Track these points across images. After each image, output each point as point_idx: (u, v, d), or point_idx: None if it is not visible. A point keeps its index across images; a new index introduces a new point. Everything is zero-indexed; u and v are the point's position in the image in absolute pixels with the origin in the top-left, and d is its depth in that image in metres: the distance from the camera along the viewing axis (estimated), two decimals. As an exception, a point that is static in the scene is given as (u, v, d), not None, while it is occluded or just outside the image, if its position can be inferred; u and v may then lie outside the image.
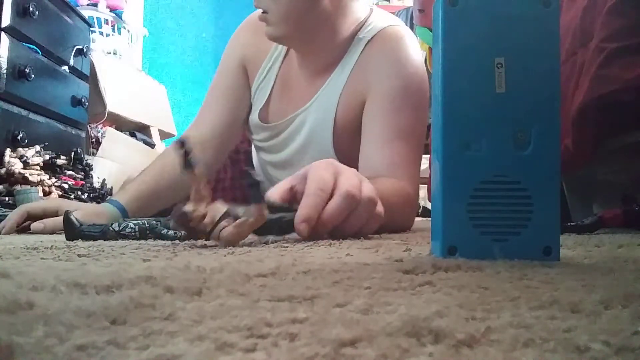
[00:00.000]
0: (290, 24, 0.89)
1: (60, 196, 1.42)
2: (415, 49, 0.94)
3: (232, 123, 1.07)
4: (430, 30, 1.54)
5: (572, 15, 0.99)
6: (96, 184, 1.72)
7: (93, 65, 2.05)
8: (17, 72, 1.43)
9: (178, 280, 0.27)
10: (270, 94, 1.04)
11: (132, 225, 0.64)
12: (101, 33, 2.37)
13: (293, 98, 1.01)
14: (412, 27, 2.21)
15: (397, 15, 2.31)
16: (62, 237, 0.68)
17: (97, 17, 2.34)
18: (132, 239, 0.62)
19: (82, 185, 1.59)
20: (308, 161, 1.03)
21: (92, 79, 2.01)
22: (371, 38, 0.94)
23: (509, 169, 0.39)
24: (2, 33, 1.38)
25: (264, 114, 1.06)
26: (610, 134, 0.89)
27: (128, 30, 2.51)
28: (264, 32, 0.95)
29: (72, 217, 0.64)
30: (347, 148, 0.95)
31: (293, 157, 1.04)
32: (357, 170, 0.94)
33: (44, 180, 1.36)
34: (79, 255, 0.43)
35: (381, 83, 0.91)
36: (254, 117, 1.07)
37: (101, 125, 2.14)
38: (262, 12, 0.89)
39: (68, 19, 1.78)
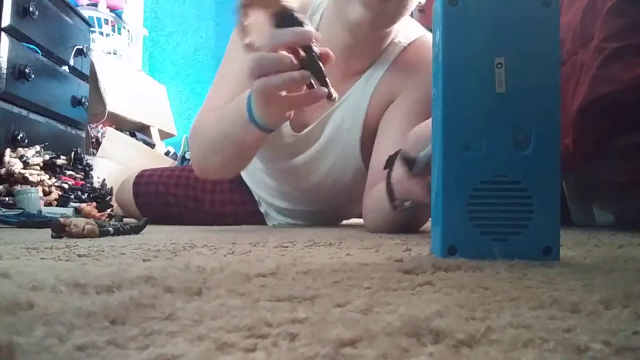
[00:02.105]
0: (403, 14, 0.86)
1: (60, 196, 1.42)
2: None
3: None
4: (430, 30, 1.54)
5: (572, 16, 0.99)
6: (96, 184, 1.72)
7: (93, 65, 2.05)
8: (17, 72, 1.43)
9: (178, 280, 0.27)
10: None
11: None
12: (101, 33, 2.37)
13: (320, 102, 0.98)
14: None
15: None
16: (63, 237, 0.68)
17: (97, 17, 2.34)
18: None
19: (82, 185, 1.59)
20: (330, 162, 1.01)
21: (92, 79, 2.01)
22: (408, 44, 0.94)
23: (509, 169, 0.39)
24: (2, 33, 1.38)
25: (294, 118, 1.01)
26: (610, 134, 0.89)
27: (128, 30, 2.51)
28: None
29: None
30: (371, 147, 0.94)
31: (311, 160, 1.01)
32: (369, 166, 0.93)
33: (44, 180, 1.36)
34: (79, 255, 0.43)
35: (415, 87, 0.91)
36: (286, 124, 0.98)
37: (101, 125, 2.15)
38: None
39: (68, 19, 1.78)
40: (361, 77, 0.95)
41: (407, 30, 0.96)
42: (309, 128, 0.99)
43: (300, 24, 0.63)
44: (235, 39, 0.97)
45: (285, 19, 0.63)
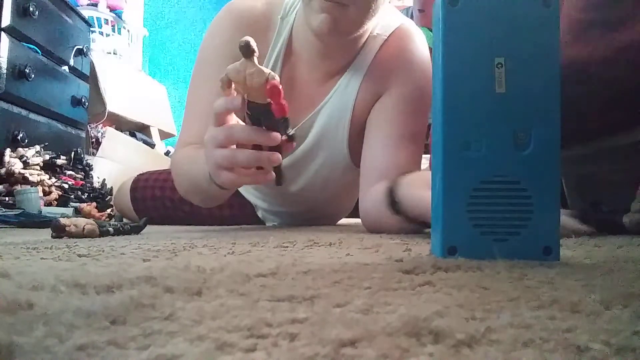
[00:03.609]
0: (367, 19, 0.82)
1: (60, 196, 1.42)
2: (425, 48, 0.93)
3: None
4: (430, 30, 1.54)
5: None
6: (96, 184, 1.72)
7: (93, 65, 2.05)
8: (17, 72, 1.43)
9: (178, 280, 0.27)
10: None
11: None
12: (101, 33, 2.37)
13: (301, 103, 0.96)
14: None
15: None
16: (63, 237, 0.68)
17: (97, 17, 2.34)
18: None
19: (82, 185, 1.59)
20: (319, 162, 1.02)
21: (92, 79, 2.01)
22: (388, 36, 0.92)
23: (509, 169, 0.39)
24: (2, 33, 1.38)
25: None
26: (610, 133, 0.89)
27: (128, 30, 2.51)
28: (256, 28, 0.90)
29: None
30: (360, 146, 0.93)
31: (300, 160, 1.01)
32: (360, 166, 0.93)
33: (44, 180, 1.36)
34: (79, 255, 0.43)
35: (400, 84, 0.90)
36: None
37: (101, 125, 2.15)
38: (336, 5, 0.77)
39: (68, 19, 1.78)
40: (343, 75, 0.93)
41: (386, 19, 0.93)
42: (294, 129, 0.98)
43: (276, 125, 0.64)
44: (204, 60, 0.96)
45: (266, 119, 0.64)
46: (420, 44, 0.93)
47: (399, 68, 0.91)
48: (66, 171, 1.55)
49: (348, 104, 0.94)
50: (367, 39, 0.92)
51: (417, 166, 0.90)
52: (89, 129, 2.03)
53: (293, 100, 0.96)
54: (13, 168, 1.29)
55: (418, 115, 0.90)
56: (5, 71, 1.38)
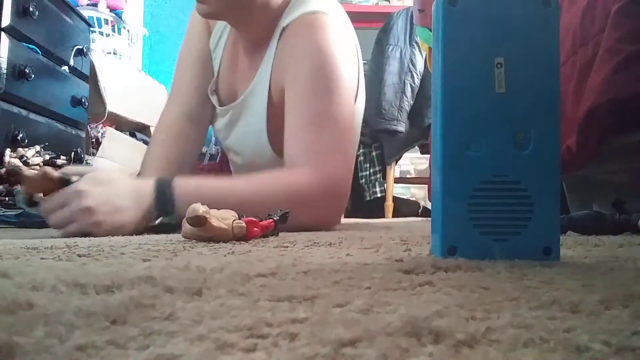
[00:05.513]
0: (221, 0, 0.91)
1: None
2: (331, 34, 0.91)
3: (204, 95, 1.09)
4: (430, 30, 1.53)
5: (572, 16, 0.99)
6: (96, 184, 1.72)
7: (93, 65, 2.05)
8: (17, 72, 1.43)
9: (178, 280, 0.27)
10: (219, 69, 1.06)
11: None
12: (101, 33, 2.36)
13: (239, 74, 1.04)
14: (412, 27, 2.20)
15: (397, 15, 2.30)
16: (62, 237, 0.68)
17: (97, 17, 2.34)
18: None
19: (82, 185, 1.59)
20: (249, 150, 1.05)
21: (92, 79, 2.01)
22: (286, 26, 0.94)
23: (509, 169, 0.39)
24: (2, 33, 1.38)
25: (215, 89, 1.09)
26: (613, 133, 0.89)
27: (128, 30, 2.51)
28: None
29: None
30: (280, 136, 0.92)
31: (235, 144, 1.07)
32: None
33: (44, 180, 1.36)
34: (79, 255, 0.43)
35: (294, 69, 0.91)
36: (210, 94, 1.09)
37: (101, 125, 2.14)
38: None
39: (68, 19, 1.77)
40: (264, 57, 0.98)
41: (295, 9, 0.95)
42: (225, 106, 1.07)
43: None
44: (181, 49, 1.17)
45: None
46: (319, 30, 0.91)
47: (292, 54, 0.93)
48: (66, 171, 1.55)
49: (264, 92, 0.98)
50: (276, 28, 0.96)
51: (324, 150, 0.87)
52: (89, 129, 2.03)
53: (234, 70, 1.05)
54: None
55: (316, 97, 0.89)
56: (5, 71, 1.38)
